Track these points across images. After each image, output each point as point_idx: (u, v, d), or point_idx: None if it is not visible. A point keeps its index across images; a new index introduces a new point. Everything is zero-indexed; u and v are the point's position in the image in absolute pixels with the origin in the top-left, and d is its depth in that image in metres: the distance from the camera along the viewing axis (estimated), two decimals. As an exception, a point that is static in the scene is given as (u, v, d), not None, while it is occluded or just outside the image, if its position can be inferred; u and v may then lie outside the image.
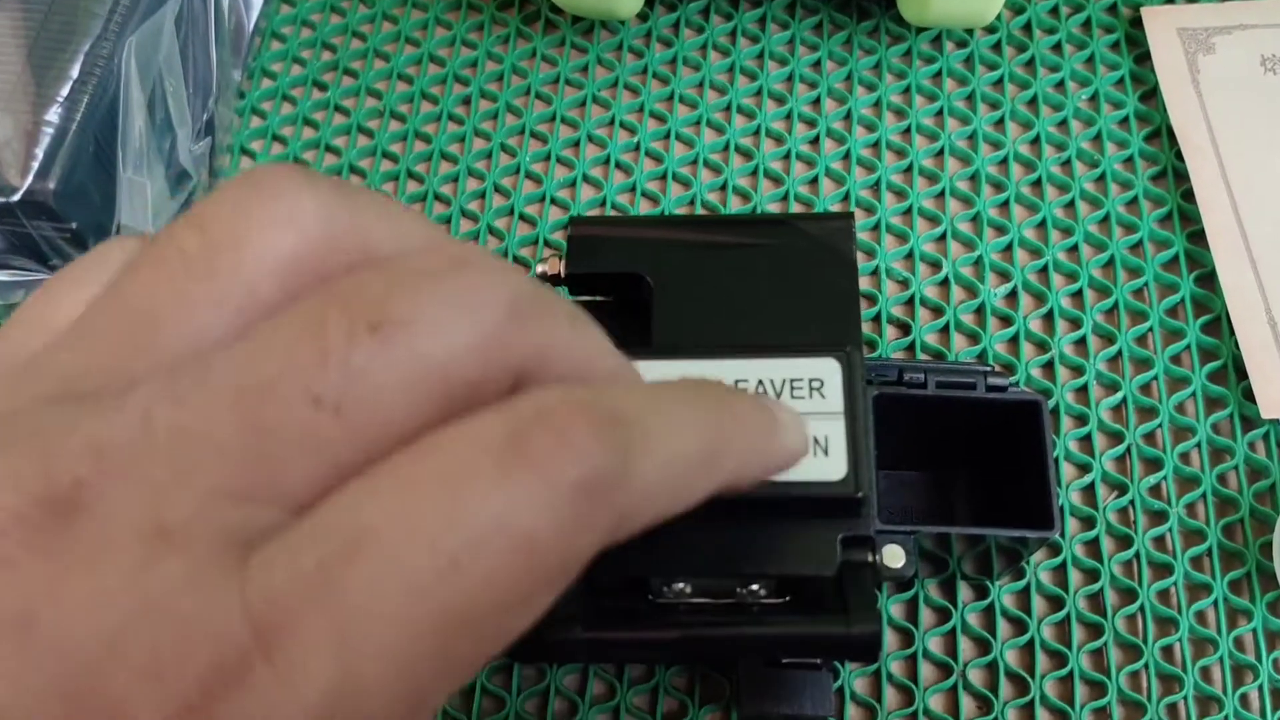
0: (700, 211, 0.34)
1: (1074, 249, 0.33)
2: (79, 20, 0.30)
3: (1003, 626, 0.29)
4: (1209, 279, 0.32)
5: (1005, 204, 0.34)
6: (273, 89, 0.37)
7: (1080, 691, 0.28)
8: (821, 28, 0.38)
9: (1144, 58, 0.37)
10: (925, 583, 0.29)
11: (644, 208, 0.35)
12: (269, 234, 0.14)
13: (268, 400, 0.13)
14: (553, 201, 0.35)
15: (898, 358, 0.32)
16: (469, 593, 0.12)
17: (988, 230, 0.34)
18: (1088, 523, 0.30)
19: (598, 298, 0.27)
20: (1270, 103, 0.35)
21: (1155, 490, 0.30)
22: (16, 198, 0.29)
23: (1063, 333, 0.32)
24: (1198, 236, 0.33)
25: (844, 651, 0.21)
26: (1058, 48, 0.37)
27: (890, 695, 0.28)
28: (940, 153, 0.35)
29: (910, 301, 0.33)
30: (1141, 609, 0.29)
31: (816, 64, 0.37)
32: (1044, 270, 0.33)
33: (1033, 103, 0.36)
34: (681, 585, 0.23)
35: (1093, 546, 0.29)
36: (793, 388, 0.23)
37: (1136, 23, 0.37)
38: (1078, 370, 0.32)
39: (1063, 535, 0.29)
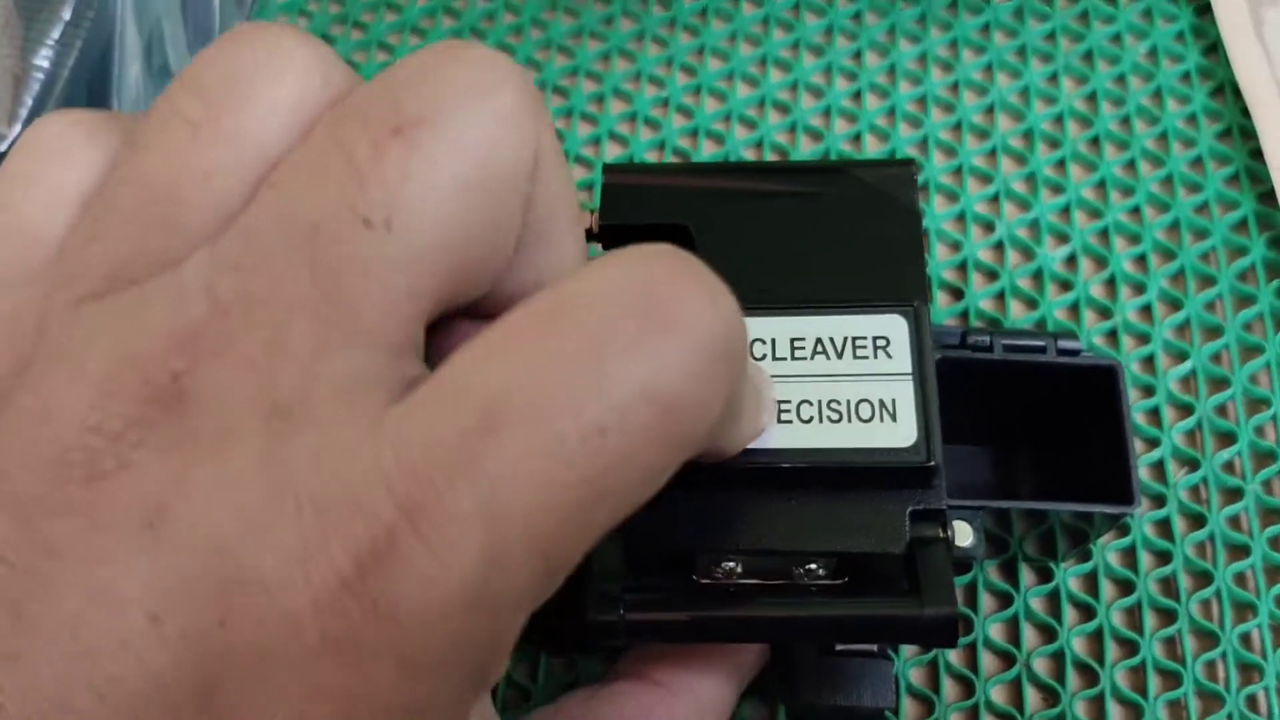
0: (734, 170, 0.32)
1: (1135, 211, 0.31)
2: (70, -42, 0.28)
3: (1069, 612, 0.26)
4: (1280, 242, 0.30)
5: (1061, 163, 0.32)
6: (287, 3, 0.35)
7: (1154, 682, 0.26)
8: (860, -21, 0.35)
9: (1204, 9, 0.34)
10: (984, 565, 0.27)
11: (674, 167, 0.33)
12: (270, 88, 0.14)
13: (320, 238, 0.13)
14: (577, 160, 0.33)
15: (951, 325, 0.30)
16: (613, 461, 0.12)
17: (1043, 190, 0.31)
18: (1158, 501, 0.28)
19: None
20: (1342, 56, 0.32)
21: (1229, 466, 0.28)
22: (4, 146, 0.27)
23: (1126, 298, 0.30)
24: (1268, 197, 0.31)
25: (917, 635, 0.19)
26: None
27: (949, 687, 0.26)
28: (990, 109, 0.33)
29: (963, 265, 0.31)
30: (1217, 593, 0.26)
31: (856, 16, 0.35)
32: (1104, 233, 0.31)
33: (1088, 57, 0.34)
34: (731, 564, 0.21)
35: (1164, 526, 0.27)
36: (855, 347, 0.21)
37: (1195, -26, 0.35)
38: (1143, 338, 0.29)
39: (1140, 506, 0.27)
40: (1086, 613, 0.26)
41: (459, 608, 0.12)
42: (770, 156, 0.32)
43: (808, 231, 0.23)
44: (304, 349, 0.12)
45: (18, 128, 0.27)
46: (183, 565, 0.12)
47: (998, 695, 0.26)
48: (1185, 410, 0.29)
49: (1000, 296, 0.30)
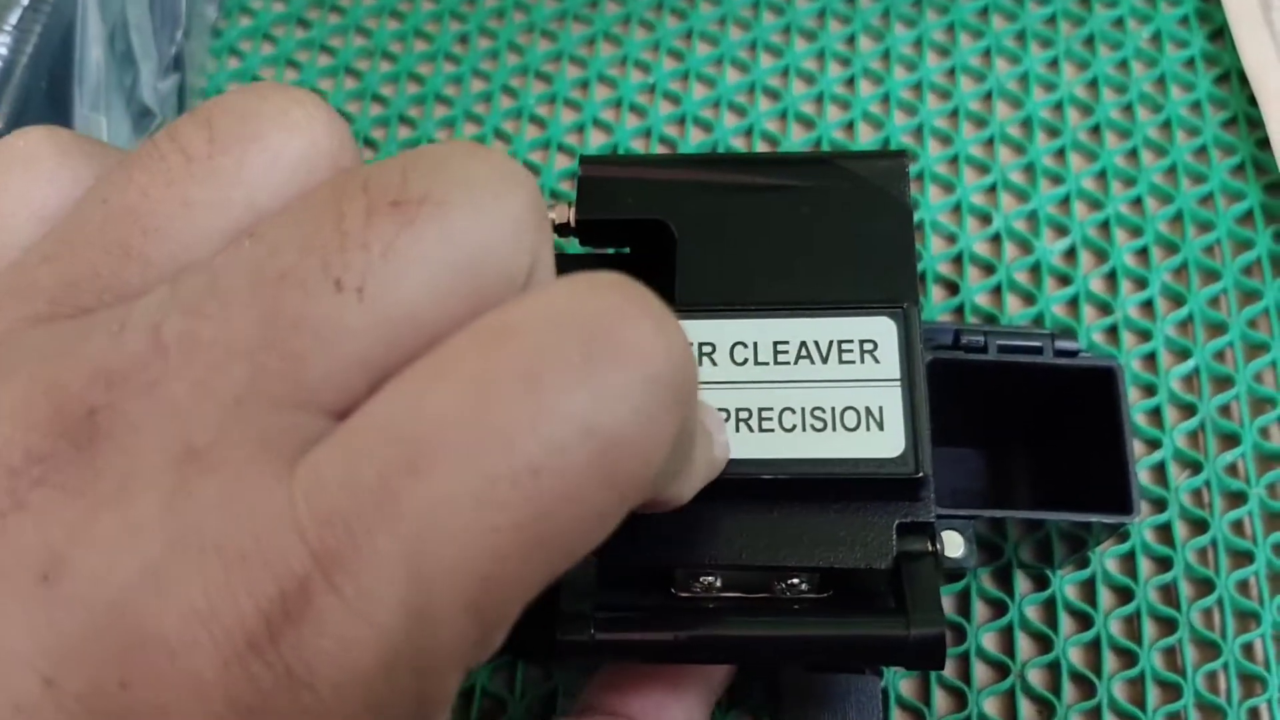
0: (723, 159, 0.31)
1: (1137, 202, 0.30)
2: (29, -61, 0.27)
3: (1065, 622, 0.25)
4: (1288, 235, 0.29)
5: (1060, 152, 0.31)
6: (252, 27, 0.34)
7: (1152, 694, 0.25)
8: (855, -40, 0.34)
9: (1210, -7, 0.33)
10: (978, 572, 0.26)
11: (661, 153, 0.31)
12: (280, 139, 0.13)
13: (285, 289, 0.12)
14: (559, 148, 0.32)
15: (945, 321, 0.29)
16: (548, 505, 0.11)
17: (1042, 180, 0.30)
18: (1159, 505, 0.27)
19: (612, 250, 0.24)
20: (1353, 41, 0.31)
21: (1232, 469, 0.27)
22: (-43, 136, 0.26)
23: (1127, 294, 0.29)
24: (1275, 188, 0.30)
25: (902, 657, 0.18)
26: (1115, -18, 0.34)
27: (940, 699, 0.25)
28: (988, 95, 0.32)
29: (958, 258, 0.29)
30: (1219, 602, 0.25)
31: (850, -1, 0.34)
32: (1105, 225, 0.30)
33: (1089, 42, 0.32)
34: (710, 578, 0.20)
35: (1164, 532, 0.26)
36: (841, 350, 0.20)
37: (1201, -45, 0.34)
38: (1144, 335, 0.28)
39: (1139, 515, 0.26)
40: (1084, 622, 0.25)
41: (380, 670, 0.11)
42: (760, 144, 0.31)
43: (793, 227, 0.22)
44: (230, 396, 0.12)
45: (-26, 116, 0.26)
46: (81, 623, 0.11)
47: (991, 707, 0.25)
48: (1188, 410, 0.28)
49: (997, 291, 0.29)
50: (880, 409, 0.20)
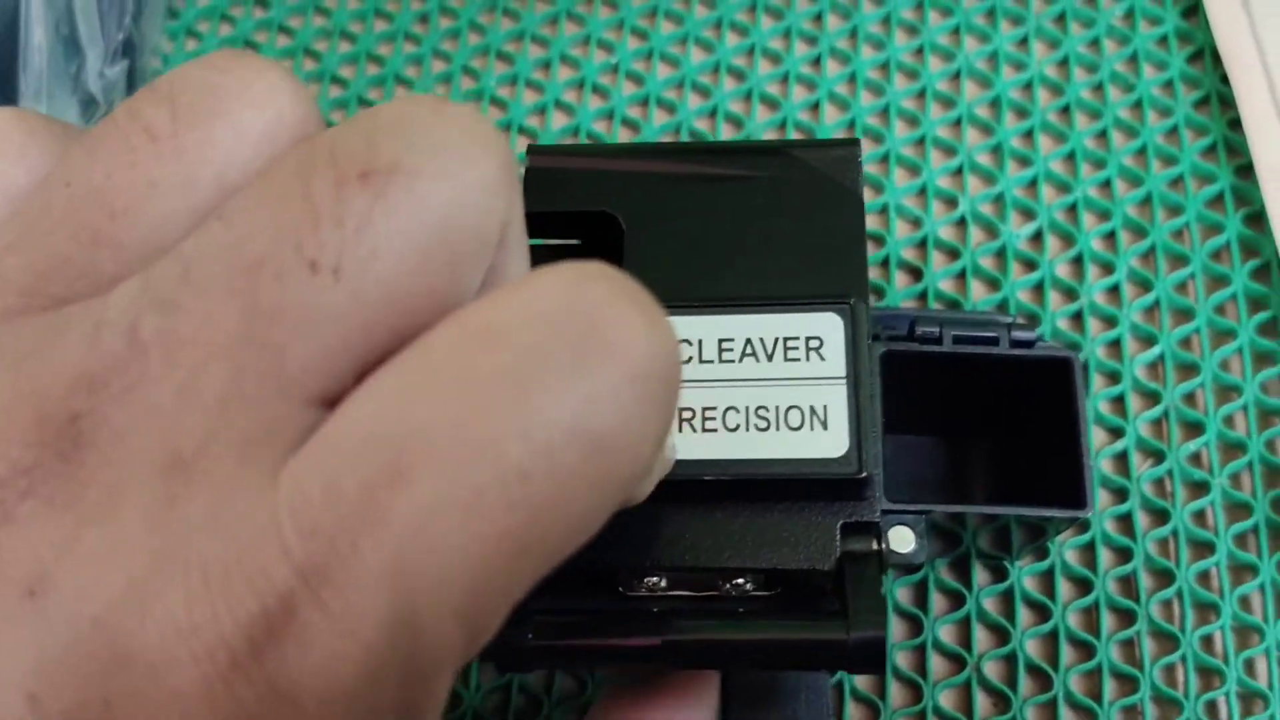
0: (686, 140, 0.31)
1: (1106, 184, 0.30)
2: (-30, -81, 0.26)
3: (1023, 613, 0.25)
4: (1257, 219, 0.29)
5: (1029, 133, 0.30)
6: (209, 8, 0.33)
7: (1109, 687, 0.24)
8: (824, -65, 0.34)
9: (1185, -32, 0.32)
10: (936, 563, 0.26)
11: (623, 135, 0.31)
12: (245, 112, 0.13)
13: (261, 277, 0.12)
14: (521, 130, 0.31)
15: (909, 307, 0.28)
16: (538, 511, 0.11)
17: (1010, 163, 0.30)
18: (1120, 495, 0.26)
19: (562, 241, 0.23)
20: (1328, 19, 0.31)
21: (1195, 458, 0.27)
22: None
23: (1093, 279, 0.28)
24: (1245, 171, 0.29)
25: (842, 662, 0.18)
26: (1088, -43, 0.33)
27: (896, 691, 0.25)
28: (956, 75, 0.31)
29: (923, 243, 0.29)
30: (1179, 593, 0.25)
31: (818, -25, 0.33)
32: (1072, 208, 0.29)
33: (1060, 19, 0.32)
34: (656, 578, 0.20)
35: (1125, 522, 0.26)
36: (787, 348, 0.20)
37: (1177, -71, 0.33)
38: (1110, 321, 0.28)
39: (1093, 511, 0.26)
40: (1042, 614, 0.25)
41: (366, 682, 0.11)
42: (724, 126, 0.31)
43: (743, 220, 0.21)
44: (214, 397, 0.11)
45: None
46: (65, 640, 0.11)
47: (946, 700, 0.25)
48: (1152, 398, 0.27)
49: (961, 276, 0.29)
50: (825, 408, 0.19)
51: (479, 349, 0.11)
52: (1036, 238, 0.29)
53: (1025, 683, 0.25)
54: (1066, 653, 0.25)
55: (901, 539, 0.20)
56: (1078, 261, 0.29)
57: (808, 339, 0.20)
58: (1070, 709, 0.25)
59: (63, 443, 0.11)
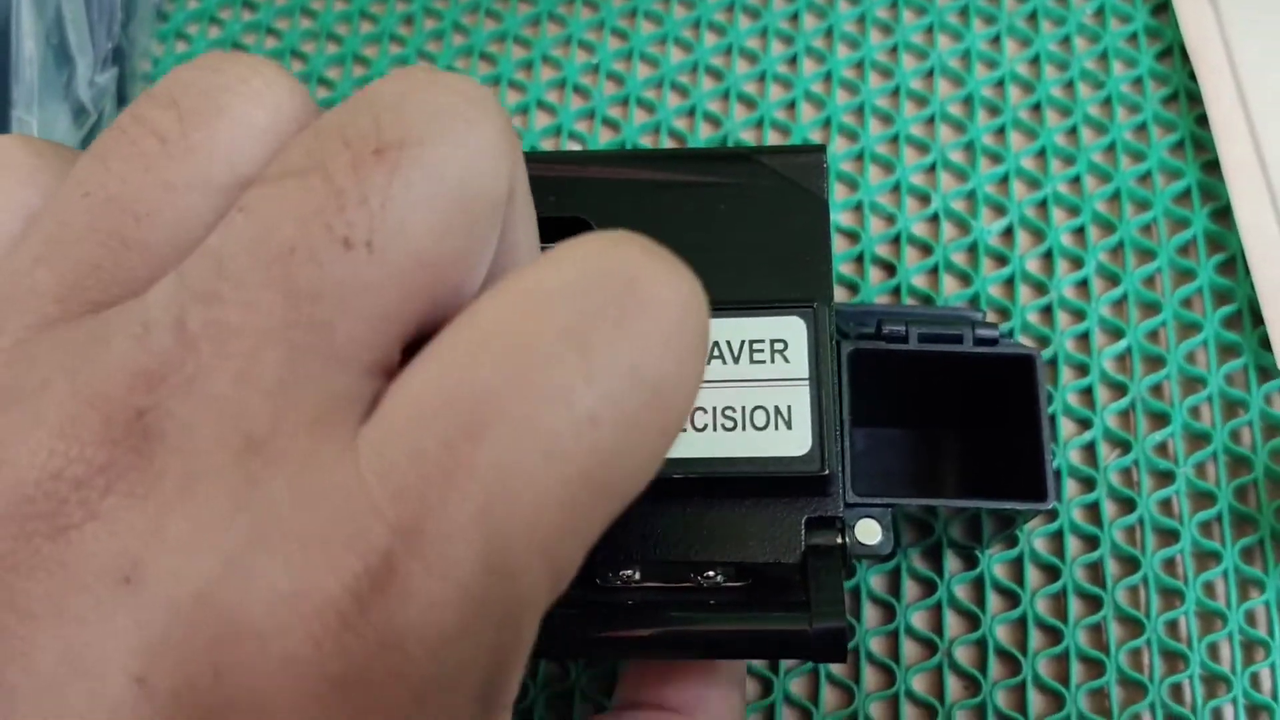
0: (666, 140, 0.31)
1: (1076, 180, 0.30)
2: (-39, -68, 0.27)
3: (992, 600, 0.26)
4: (1224, 214, 0.29)
5: (1001, 130, 0.31)
6: (198, 11, 0.34)
7: (1076, 670, 0.25)
8: (801, -66, 0.34)
9: (1156, -35, 0.33)
10: (909, 552, 0.26)
11: (604, 135, 0.32)
12: (248, 107, 0.13)
13: (298, 261, 0.12)
14: (504, 131, 0.32)
15: (881, 303, 0.29)
16: (608, 451, 0.12)
17: (982, 160, 0.31)
18: (1087, 484, 0.27)
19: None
20: (1295, 15, 0.31)
21: (1161, 449, 0.27)
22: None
23: (1063, 273, 0.29)
24: (1212, 167, 0.30)
25: (805, 651, 0.19)
26: (1061, -45, 0.33)
27: (869, 675, 0.26)
28: (930, 73, 0.32)
29: (896, 239, 0.30)
30: (1144, 580, 0.26)
31: (795, -25, 0.33)
32: (1043, 204, 0.30)
33: (1032, 18, 0.32)
34: (629, 571, 0.21)
35: (1092, 511, 0.27)
36: (753, 350, 0.20)
37: (1149, -74, 0.33)
38: (1079, 315, 0.29)
39: (1060, 500, 0.27)
40: (1011, 600, 0.26)
41: (466, 626, 0.11)
42: (703, 125, 0.32)
43: (711, 225, 0.22)
44: (274, 379, 0.12)
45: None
46: (167, 620, 0.11)
47: (919, 684, 0.25)
48: (1119, 390, 0.28)
49: (934, 272, 0.29)
50: (789, 408, 0.20)
51: (530, 313, 0.12)
52: (1008, 233, 0.30)
53: (995, 667, 0.25)
54: (1035, 637, 0.26)
55: (868, 531, 0.21)
56: (1048, 256, 0.29)
57: (773, 341, 0.20)
58: (1039, 692, 0.25)
59: (133, 439, 0.12)
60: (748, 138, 0.31)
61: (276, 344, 0.12)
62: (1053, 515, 0.27)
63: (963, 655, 0.26)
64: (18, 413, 0.12)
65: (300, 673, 0.11)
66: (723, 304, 0.21)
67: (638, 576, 0.21)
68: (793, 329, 0.20)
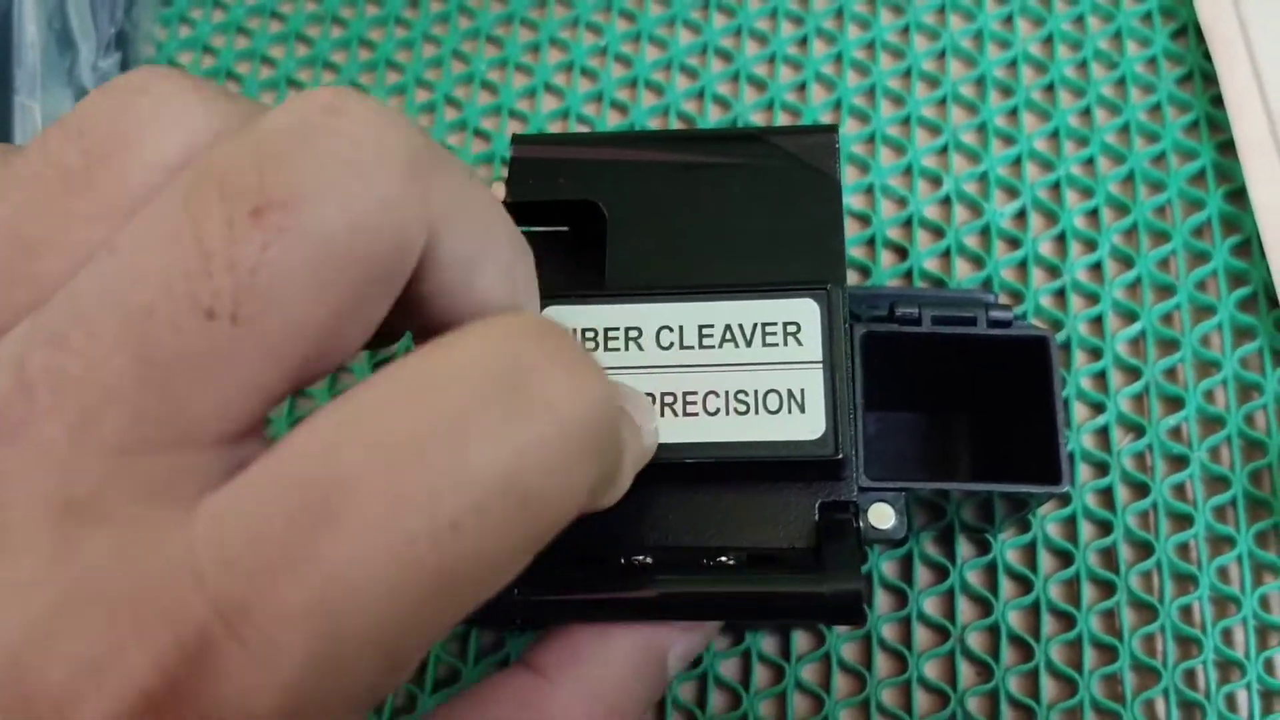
0: (674, 123, 0.31)
1: (1089, 162, 0.30)
2: (-37, -86, 0.27)
3: (1005, 585, 0.26)
4: (1239, 195, 0.29)
5: (1014, 112, 0.31)
6: (203, -9, 0.34)
7: (1089, 656, 0.25)
8: (811, -86, 0.34)
9: (1170, -56, 0.33)
10: (921, 537, 0.26)
11: (612, 118, 0.31)
12: (154, 135, 0.13)
13: (156, 325, 0.11)
14: (511, 114, 0.32)
15: (893, 286, 0.29)
16: (466, 557, 0.11)
17: (994, 141, 0.30)
18: (1101, 469, 0.27)
19: (550, 228, 0.24)
20: (1312, -6, 0.31)
21: (1175, 433, 0.27)
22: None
23: (1076, 256, 0.29)
24: (1227, 147, 0.30)
25: (822, 613, 0.19)
26: (1074, -66, 0.33)
27: (881, 662, 0.25)
28: (942, 54, 0.32)
29: (908, 222, 0.29)
30: (1158, 565, 0.26)
31: (804, -45, 0.33)
32: (1056, 186, 0.30)
33: (1045, -4, 0.32)
34: (643, 557, 0.20)
35: (1106, 496, 0.27)
36: (765, 333, 0.20)
37: (1163, -96, 0.33)
38: (1092, 298, 0.28)
39: (1073, 485, 0.26)
40: (1023, 586, 0.26)
41: (285, 716, 0.11)
42: (712, 107, 0.31)
43: (723, 206, 0.22)
44: (112, 441, 0.11)
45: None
46: None
47: (931, 670, 0.25)
48: (1133, 374, 0.28)
49: (946, 255, 0.29)
50: (802, 391, 0.20)
51: (412, 402, 0.11)
52: (1020, 216, 0.29)
53: (1008, 653, 0.25)
54: (1048, 623, 0.25)
55: (881, 515, 0.21)
56: (1061, 239, 0.29)
57: (785, 324, 0.20)
58: (1051, 678, 0.25)
59: None
60: (757, 120, 0.31)
61: (121, 406, 0.11)
62: (1066, 499, 0.26)
63: (975, 641, 0.26)
64: None
65: None
66: (735, 286, 0.21)
67: (650, 562, 0.20)
68: (806, 311, 0.20)
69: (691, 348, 0.20)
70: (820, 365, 0.20)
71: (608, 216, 0.22)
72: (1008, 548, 0.26)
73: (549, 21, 0.33)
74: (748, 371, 0.20)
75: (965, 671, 0.25)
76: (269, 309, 0.12)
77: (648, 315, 0.20)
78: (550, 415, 0.12)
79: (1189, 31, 0.31)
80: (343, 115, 0.12)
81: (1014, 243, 0.29)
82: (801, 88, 0.31)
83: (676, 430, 0.20)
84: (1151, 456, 0.27)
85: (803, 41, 0.32)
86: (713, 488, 0.20)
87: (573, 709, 0.18)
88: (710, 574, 0.20)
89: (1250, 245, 0.28)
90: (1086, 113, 0.30)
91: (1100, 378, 0.28)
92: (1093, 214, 0.29)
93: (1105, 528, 0.26)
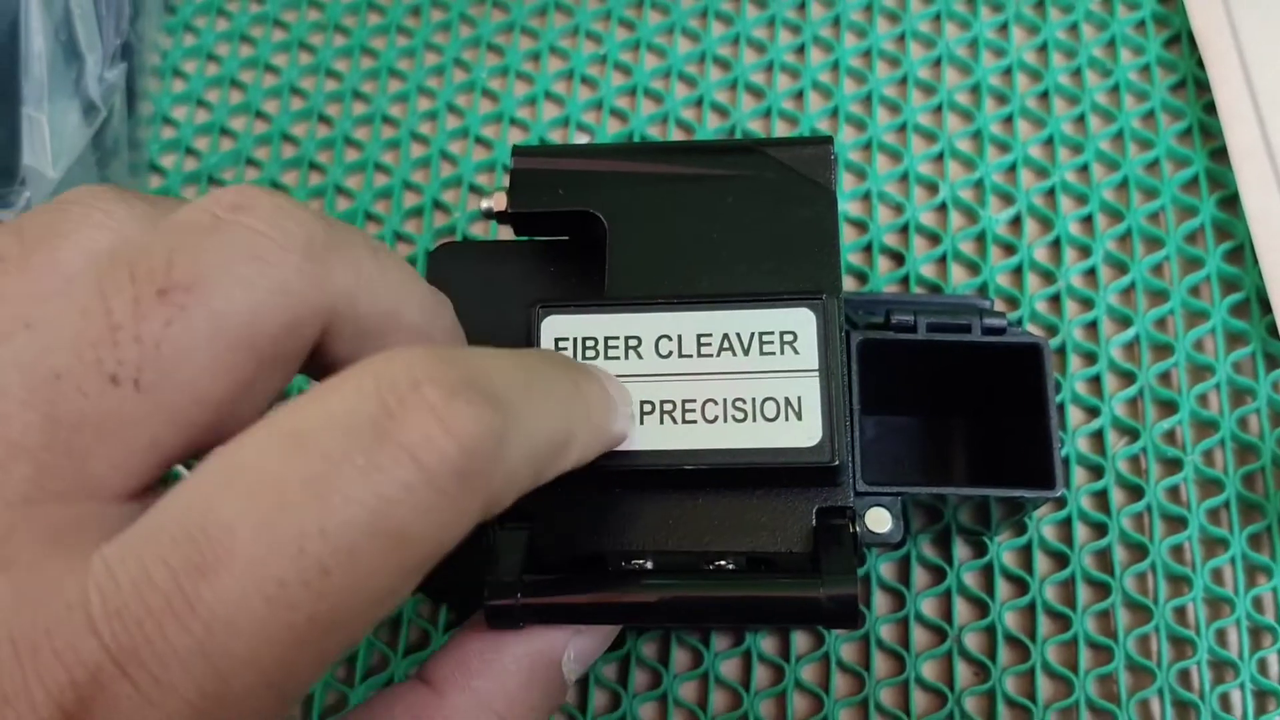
0: (673, 130, 0.31)
1: (1084, 169, 0.30)
2: (-29, -72, 0.27)
3: (1002, 587, 0.26)
4: (1231, 202, 0.29)
5: (1009, 119, 0.31)
6: (206, 3, 0.34)
7: (1085, 657, 0.25)
8: (808, -77, 0.34)
9: (1164, -48, 0.33)
10: (919, 539, 0.27)
11: (612, 125, 0.32)
12: (86, 231, 0.14)
13: (63, 389, 0.13)
14: (512, 122, 0.32)
15: (890, 292, 0.29)
16: (338, 597, 0.12)
17: (989, 149, 0.31)
18: (1095, 472, 0.27)
19: (551, 238, 0.24)
20: (1303, 1, 0.31)
21: (1169, 436, 0.27)
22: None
23: (1070, 262, 0.29)
24: (1220, 154, 0.30)
25: (819, 618, 0.19)
26: (1069, -58, 0.33)
27: (880, 662, 0.26)
28: (938, 62, 0.32)
29: (904, 229, 0.30)
30: (1152, 567, 0.26)
31: (802, -36, 0.33)
32: (1050, 193, 0.30)
33: (1040, 5, 0.32)
34: (642, 561, 0.21)
35: (1100, 499, 0.27)
36: (762, 342, 0.20)
37: (1156, -88, 0.33)
38: (1087, 304, 0.29)
39: (1068, 488, 0.27)
40: (1020, 587, 0.26)
41: None
42: (710, 116, 0.32)
43: (720, 217, 0.22)
44: (17, 493, 0.12)
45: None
46: None
47: (928, 671, 0.26)
48: (1127, 378, 0.28)
49: (942, 261, 0.29)
50: (799, 399, 0.20)
51: (283, 453, 0.12)
52: (1015, 222, 0.30)
53: (1004, 653, 0.26)
54: (1044, 624, 0.26)
55: (878, 520, 0.21)
56: (1055, 245, 0.29)
57: (782, 333, 0.20)
58: (1048, 678, 0.26)
59: None
60: (755, 128, 0.31)
61: (27, 461, 0.12)
62: (1061, 503, 0.27)
63: (972, 642, 0.26)
64: None
65: None
66: (733, 296, 0.21)
67: (649, 567, 0.21)
68: (802, 321, 0.21)
69: (690, 356, 0.21)
70: (816, 374, 0.20)
71: (607, 227, 0.22)
72: (1004, 550, 0.26)
73: (549, 30, 0.33)
74: (745, 380, 0.20)
75: (962, 672, 0.26)
76: (169, 378, 0.13)
77: (647, 324, 0.21)
78: (412, 463, 0.12)
79: (1182, 39, 0.32)
80: (247, 211, 0.14)
81: (1009, 248, 0.29)
82: (799, 95, 0.32)
83: (676, 437, 0.20)
84: (1146, 460, 0.27)
85: (800, 50, 0.32)
86: (711, 493, 0.20)
87: None
88: (709, 578, 0.20)
89: (1243, 251, 0.29)
90: (1081, 120, 0.31)
91: (1095, 382, 0.28)
92: (1087, 220, 0.30)
93: (1100, 530, 0.27)
